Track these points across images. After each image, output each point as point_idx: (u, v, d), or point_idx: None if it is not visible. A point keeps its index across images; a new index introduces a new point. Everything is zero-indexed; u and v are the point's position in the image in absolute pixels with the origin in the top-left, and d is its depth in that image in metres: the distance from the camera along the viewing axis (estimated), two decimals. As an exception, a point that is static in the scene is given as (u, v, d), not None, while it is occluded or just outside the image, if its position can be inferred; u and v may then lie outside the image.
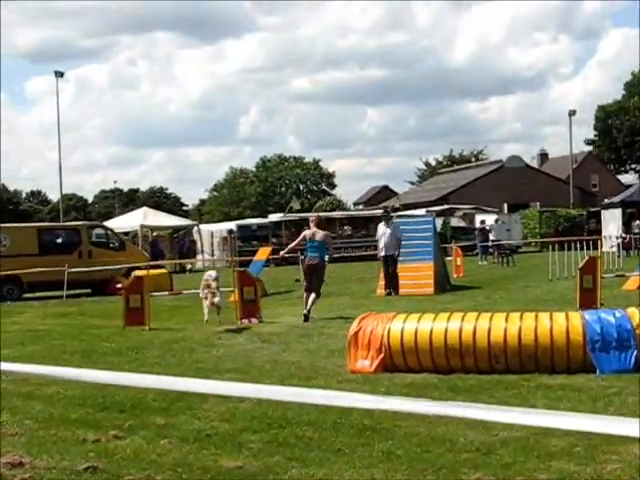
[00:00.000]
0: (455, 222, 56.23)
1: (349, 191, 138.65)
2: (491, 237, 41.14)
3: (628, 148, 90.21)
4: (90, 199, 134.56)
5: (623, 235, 38.73)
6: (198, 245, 51.02)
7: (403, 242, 22.51)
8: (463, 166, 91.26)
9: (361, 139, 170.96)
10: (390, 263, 22.10)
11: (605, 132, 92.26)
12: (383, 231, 22.50)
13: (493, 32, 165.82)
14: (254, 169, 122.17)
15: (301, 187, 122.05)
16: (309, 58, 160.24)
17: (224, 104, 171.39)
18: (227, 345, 13.40)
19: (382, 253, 22.36)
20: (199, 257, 49.99)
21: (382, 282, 22.40)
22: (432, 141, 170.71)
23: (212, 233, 55.77)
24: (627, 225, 44.99)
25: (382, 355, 10.14)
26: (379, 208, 67.54)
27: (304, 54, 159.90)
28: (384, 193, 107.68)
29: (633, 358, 9.39)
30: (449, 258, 31.07)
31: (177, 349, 13.14)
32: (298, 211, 64.87)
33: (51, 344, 14.50)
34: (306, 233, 17.85)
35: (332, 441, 6.87)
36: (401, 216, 37.80)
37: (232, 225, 55.69)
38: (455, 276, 28.36)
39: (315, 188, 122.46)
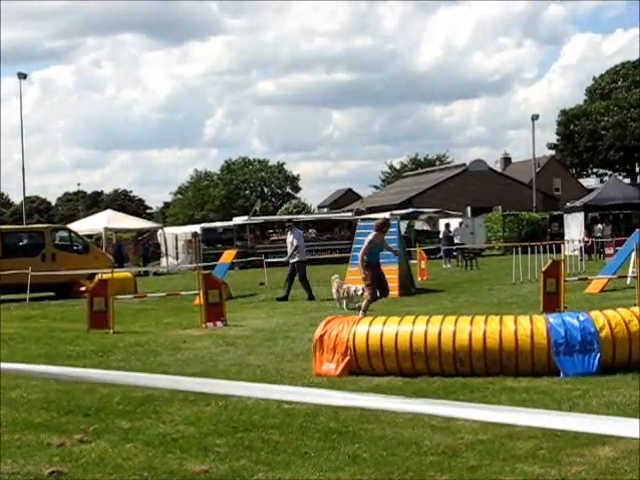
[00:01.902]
0: (419, 225, 56.40)
1: (314, 194, 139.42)
2: (455, 240, 41.35)
3: (590, 152, 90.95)
4: (54, 202, 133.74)
5: (585, 239, 39.07)
6: (162, 248, 50.77)
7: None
8: (427, 170, 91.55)
9: (326, 142, 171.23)
10: (298, 269, 22.53)
11: (567, 136, 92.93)
12: (288, 239, 23.01)
13: (458, 36, 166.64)
14: (219, 172, 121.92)
15: (265, 190, 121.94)
16: (275, 61, 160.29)
17: (189, 107, 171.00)
18: (192, 348, 13.35)
19: (289, 260, 22.86)
20: (163, 260, 49.77)
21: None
22: (397, 144, 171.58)
23: (176, 236, 55.50)
24: (589, 229, 45.38)
25: (347, 358, 10.16)
26: (344, 211, 67.69)
27: (270, 57, 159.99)
28: (349, 196, 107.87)
29: (596, 361, 9.47)
30: (413, 261, 31.16)
31: (142, 352, 13.07)
32: (262, 214, 64.81)
33: (14, 348, 14.37)
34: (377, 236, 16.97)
35: (298, 444, 6.87)
36: (366, 219, 37.83)
37: (197, 228, 55.47)
38: (419, 279, 28.46)
39: (279, 191, 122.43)
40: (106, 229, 47.19)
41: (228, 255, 25.79)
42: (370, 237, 16.79)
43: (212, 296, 16.71)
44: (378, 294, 16.48)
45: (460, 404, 7.81)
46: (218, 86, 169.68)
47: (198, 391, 8.93)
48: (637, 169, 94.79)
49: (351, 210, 66.43)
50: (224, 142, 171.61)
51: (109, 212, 52.35)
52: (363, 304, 16.23)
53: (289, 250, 22.85)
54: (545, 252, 26.66)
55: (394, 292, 21.84)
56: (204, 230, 53.79)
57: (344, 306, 19.22)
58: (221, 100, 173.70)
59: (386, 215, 46.45)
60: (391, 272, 22.53)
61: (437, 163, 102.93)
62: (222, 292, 17.15)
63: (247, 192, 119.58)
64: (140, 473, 6.21)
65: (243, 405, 8.36)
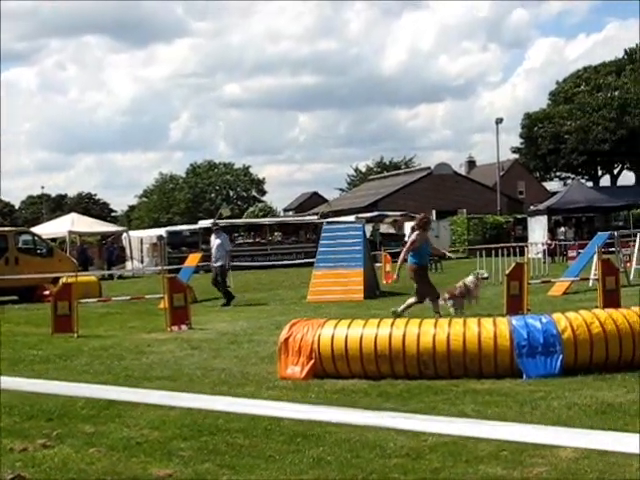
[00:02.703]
0: (385, 229, 56.56)
1: (279, 197, 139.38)
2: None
3: (553, 156, 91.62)
4: (17, 205, 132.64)
5: (549, 242, 39.35)
6: (127, 251, 50.55)
7: (333, 249, 22.76)
8: (392, 173, 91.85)
9: (292, 145, 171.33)
10: (219, 273, 22.64)
11: (531, 140, 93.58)
12: (213, 242, 23.07)
13: (423, 40, 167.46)
14: (184, 175, 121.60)
15: (231, 193, 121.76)
16: (240, 64, 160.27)
17: (154, 109, 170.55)
18: (157, 352, 13.31)
19: (213, 264, 22.88)
20: (128, 264, 49.54)
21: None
22: (362, 148, 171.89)
23: (141, 239, 55.25)
24: (552, 232, 45.72)
25: (312, 361, 10.17)
26: (310, 214, 67.74)
27: (235, 60, 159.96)
28: (314, 199, 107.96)
29: (559, 363, 9.55)
30: (378, 264, 31.23)
31: (106, 356, 13.01)
32: (228, 217, 64.66)
33: (-24, 352, 14.25)
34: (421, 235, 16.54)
35: (263, 448, 6.87)
36: (331, 222, 37.89)
37: (162, 231, 55.26)
38: (384, 282, 28.52)
39: (245, 194, 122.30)
40: (70, 232, 46.98)
41: (193, 258, 25.74)
42: (413, 237, 16.65)
43: (177, 300, 16.67)
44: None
45: (412, 416, 7.93)
46: (183, 89, 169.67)
47: (122, 400, 9.00)
48: (599, 173, 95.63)
49: (317, 213, 66.52)
50: (189, 145, 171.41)
51: (73, 215, 52.08)
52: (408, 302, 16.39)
53: (214, 253, 22.78)
54: (509, 255, 26.83)
55: (359, 295, 21.94)
56: (169, 233, 53.59)
57: (459, 309, 16.80)
58: (186, 103, 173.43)
59: (351, 218, 46.59)
60: (356, 275, 22.67)
61: (402, 166, 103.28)
62: (187, 296, 17.12)
63: (212, 195, 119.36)
64: (103, 478, 6.18)
65: (208, 409, 8.35)
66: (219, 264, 22.48)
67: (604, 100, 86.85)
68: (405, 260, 16.29)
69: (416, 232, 16.53)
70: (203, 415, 8.11)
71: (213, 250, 22.86)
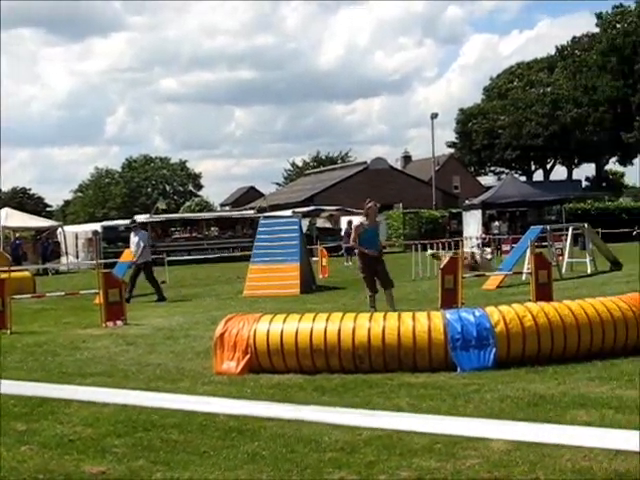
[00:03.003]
0: (321, 223, 56.66)
1: (216, 192, 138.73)
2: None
3: (487, 151, 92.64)
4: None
5: (483, 236, 39.77)
6: (62, 247, 49.96)
7: (269, 243, 22.79)
8: (329, 167, 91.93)
9: (228, 140, 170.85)
10: (143, 269, 22.53)
11: (465, 135, 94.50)
12: (132, 240, 22.92)
13: (360, 36, 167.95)
14: (120, 170, 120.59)
15: (167, 188, 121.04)
16: (177, 58, 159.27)
17: (90, 103, 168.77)
18: (92, 348, 13.19)
19: (136, 262, 22.65)
20: (63, 259, 48.96)
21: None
22: (299, 142, 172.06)
23: (77, 234, 54.61)
24: (487, 226, 46.19)
25: (248, 356, 10.16)
26: (246, 209, 67.58)
27: (172, 54, 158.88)
28: (251, 194, 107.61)
29: (492, 356, 9.67)
30: (315, 259, 31.30)
31: (40, 353, 12.85)
32: (164, 212, 64.27)
33: None
34: (363, 222, 15.89)
35: (198, 443, 6.86)
36: (268, 217, 37.88)
37: (97, 226, 54.70)
38: (321, 276, 28.61)
39: (182, 189, 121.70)
40: (4, 227, 46.29)
41: (129, 254, 25.50)
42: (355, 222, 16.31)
43: (112, 295, 16.54)
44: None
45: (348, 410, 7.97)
46: (120, 83, 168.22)
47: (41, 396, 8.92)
48: (533, 167, 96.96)
49: (253, 208, 66.37)
50: (126, 140, 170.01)
51: (7, 210, 51.23)
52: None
53: (133, 250, 22.63)
54: (444, 249, 27.05)
55: (295, 290, 21.97)
56: (105, 228, 53.06)
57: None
58: (123, 97, 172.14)
59: (288, 212, 46.58)
60: (292, 270, 22.69)
61: (339, 161, 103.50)
62: (122, 291, 17.00)
63: (149, 190, 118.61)
64: (35, 476, 6.11)
65: (142, 404, 8.31)
66: (142, 261, 22.26)
67: (537, 96, 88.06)
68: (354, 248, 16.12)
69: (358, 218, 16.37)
70: (137, 411, 8.07)
71: (132, 248, 22.65)
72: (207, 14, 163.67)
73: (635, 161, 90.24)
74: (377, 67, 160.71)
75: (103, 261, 29.78)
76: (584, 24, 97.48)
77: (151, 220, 52.58)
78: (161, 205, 66.92)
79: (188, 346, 12.87)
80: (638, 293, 11.34)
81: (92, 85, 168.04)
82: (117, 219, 68.60)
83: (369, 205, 15.71)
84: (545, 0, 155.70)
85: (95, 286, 17.63)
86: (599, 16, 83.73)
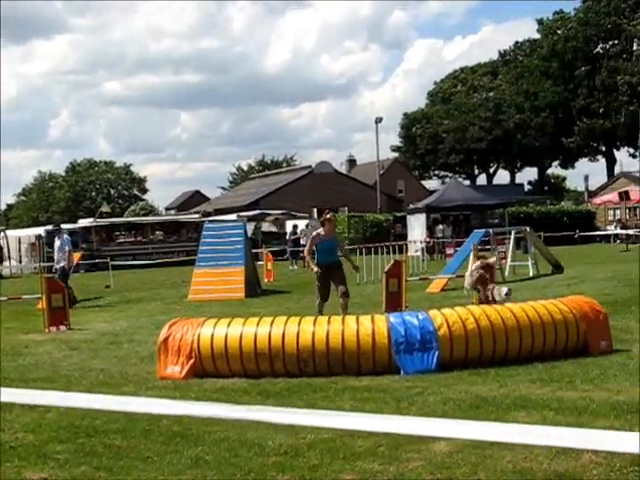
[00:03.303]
0: (266, 227, 56.62)
1: (161, 196, 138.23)
2: (302, 242, 41.73)
3: (431, 155, 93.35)
4: None
5: (427, 239, 40.01)
6: (5, 251, 49.35)
7: (214, 247, 22.76)
8: (274, 171, 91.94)
9: (174, 144, 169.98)
10: (60, 275, 22.09)
11: (410, 139, 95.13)
12: (55, 244, 22.74)
13: (306, 40, 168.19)
14: (64, 173, 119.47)
15: (112, 192, 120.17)
16: (121, 61, 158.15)
17: (33, 106, 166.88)
18: (34, 354, 13.06)
19: (55, 265, 22.39)
20: (6, 263, 48.36)
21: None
22: (245, 146, 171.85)
23: (19, 239, 54.00)
24: (431, 229, 46.49)
25: (192, 361, 10.14)
26: (191, 213, 67.31)
27: (116, 57, 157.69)
28: (196, 198, 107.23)
29: (435, 359, 9.76)
30: (260, 263, 31.29)
31: (-20, 359, 12.70)
32: (109, 215, 63.80)
33: None
34: (319, 232, 15.50)
35: (141, 449, 6.83)
36: (212, 221, 37.75)
37: (41, 230, 54.09)
38: (266, 280, 28.61)
39: (126, 193, 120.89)
40: (-57, 232, 45.59)
41: (74, 258, 25.30)
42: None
43: (55, 300, 16.38)
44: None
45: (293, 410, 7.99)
46: (63, 85, 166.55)
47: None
48: (476, 172, 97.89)
49: (198, 212, 66.14)
50: (69, 143, 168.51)
51: (-53, 214, 50.59)
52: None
53: (56, 256, 22.29)
54: (389, 253, 27.15)
55: (240, 294, 21.95)
56: (48, 233, 52.41)
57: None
58: (66, 100, 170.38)
59: (233, 216, 46.51)
60: (237, 274, 22.67)
61: (284, 165, 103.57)
62: (65, 296, 16.85)
63: (93, 194, 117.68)
64: (-24, 483, 6.06)
65: (85, 411, 8.25)
66: (60, 265, 21.96)
67: (480, 101, 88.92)
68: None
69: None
70: (80, 417, 8.01)
71: (55, 253, 22.39)
72: (152, 16, 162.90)
73: (576, 165, 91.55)
74: (323, 71, 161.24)
75: (46, 265, 29.55)
76: (527, 30, 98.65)
77: (95, 224, 52.17)
78: (105, 209, 66.25)
79: (132, 351, 12.80)
80: (579, 296, 11.51)
81: (35, 87, 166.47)
82: (61, 223, 67.87)
83: (328, 216, 15.55)
84: (490, 1, 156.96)
85: (38, 291, 17.44)
86: (540, 22, 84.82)
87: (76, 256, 25.81)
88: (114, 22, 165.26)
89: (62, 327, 16.15)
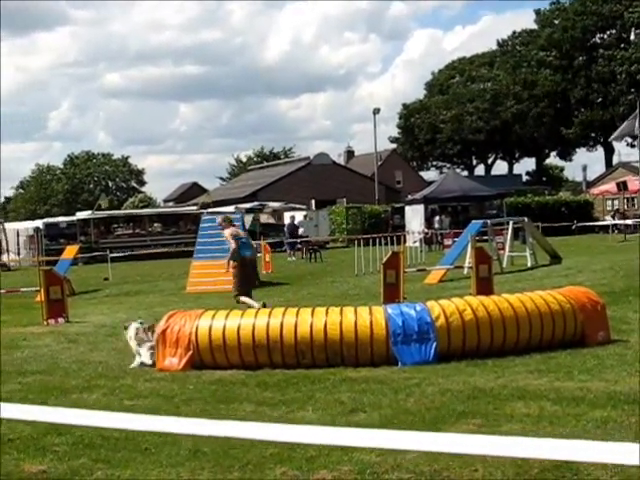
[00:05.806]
0: (264, 219, 56.59)
1: (159, 188, 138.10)
2: (300, 233, 41.74)
3: (429, 145, 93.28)
4: None
5: (425, 230, 40.01)
6: (3, 244, 49.33)
7: (212, 239, 22.82)
8: (272, 163, 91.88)
9: (173, 136, 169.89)
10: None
11: (408, 130, 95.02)
12: None
13: (305, 31, 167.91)
14: (62, 166, 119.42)
15: (110, 184, 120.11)
16: (122, 53, 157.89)
17: (34, 99, 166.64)
18: (32, 346, 13.07)
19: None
20: (4, 256, 48.34)
21: None
22: (244, 138, 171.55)
23: (18, 232, 53.95)
24: (429, 221, 46.44)
25: (190, 352, 10.16)
26: (190, 205, 67.28)
27: (117, 49, 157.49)
28: (194, 190, 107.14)
29: (432, 350, 9.77)
30: (258, 254, 31.26)
31: (-22, 352, 12.71)
32: (107, 208, 63.77)
33: None
34: (237, 230, 16.85)
35: (139, 441, 6.83)
36: (211, 213, 37.71)
37: (39, 223, 54.07)
38: (264, 272, 28.60)
39: (124, 185, 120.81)
40: (-58, 225, 45.57)
41: (70, 251, 25.33)
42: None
43: (53, 292, 16.38)
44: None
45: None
46: (64, 78, 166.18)
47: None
48: (474, 162, 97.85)
49: (197, 204, 66.09)
50: (69, 135, 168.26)
51: (-55, 207, 50.57)
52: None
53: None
54: (387, 244, 27.14)
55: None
56: (46, 225, 52.50)
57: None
58: (67, 92, 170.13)
59: (231, 208, 46.55)
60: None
61: (282, 156, 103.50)
62: (64, 288, 16.85)
63: (91, 186, 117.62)
64: (-26, 476, 6.07)
65: (83, 403, 8.26)
66: None
67: (478, 91, 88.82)
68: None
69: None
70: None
71: None
72: (153, 8, 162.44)
73: (574, 155, 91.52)
74: (322, 62, 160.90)
75: (45, 258, 29.56)
76: (528, 21, 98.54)
77: (93, 217, 52.14)
78: (103, 202, 66.16)
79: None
80: (576, 286, 11.52)
81: (36, 80, 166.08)
82: (59, 216, 67.80)
83: None
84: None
85: (36, 283, 17.45)
86: (537, 12, 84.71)
87: (74, 249, 25.76)
88: (115, 14, 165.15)
89: (60, 320, 16.15)
